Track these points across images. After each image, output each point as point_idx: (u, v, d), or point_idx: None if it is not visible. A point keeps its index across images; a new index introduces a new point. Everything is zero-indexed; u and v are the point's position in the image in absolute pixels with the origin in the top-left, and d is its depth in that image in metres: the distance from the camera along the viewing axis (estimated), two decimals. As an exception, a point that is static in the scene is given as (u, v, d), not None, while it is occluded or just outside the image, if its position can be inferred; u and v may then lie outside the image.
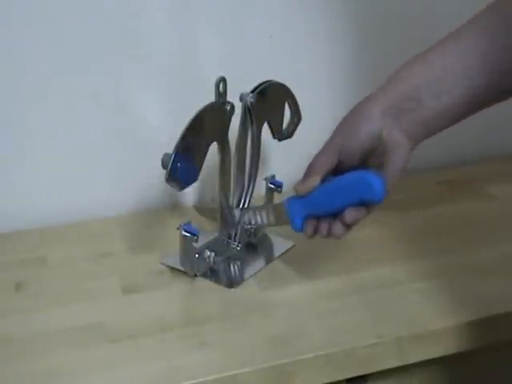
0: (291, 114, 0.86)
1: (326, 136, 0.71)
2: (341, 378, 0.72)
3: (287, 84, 0.84)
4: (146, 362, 0.68)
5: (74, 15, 0.88)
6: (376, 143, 0.68)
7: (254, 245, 0.89)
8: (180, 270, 0.81)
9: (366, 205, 0.69)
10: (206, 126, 0.76)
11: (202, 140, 0.76)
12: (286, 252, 0.87)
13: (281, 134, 0.85)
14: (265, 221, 0.79)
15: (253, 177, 0.86)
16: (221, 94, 0.77)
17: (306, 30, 1.00)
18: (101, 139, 0.95)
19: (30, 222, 0.92)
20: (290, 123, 0.86)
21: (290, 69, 0.99)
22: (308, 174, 0.70)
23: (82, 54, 0.90)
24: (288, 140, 0.87)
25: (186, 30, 0.94)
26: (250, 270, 0.83)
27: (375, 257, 0.86)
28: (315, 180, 0.69)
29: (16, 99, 0.89)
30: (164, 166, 0.73)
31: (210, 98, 0.77)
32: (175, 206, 1.00)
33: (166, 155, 0.73)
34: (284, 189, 0.88)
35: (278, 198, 0.89)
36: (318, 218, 0.71)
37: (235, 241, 0.85)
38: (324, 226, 0.71)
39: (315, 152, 0.72)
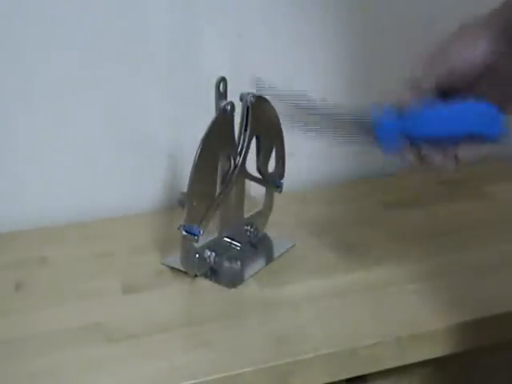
0: (276, 159, 0.85)
1: None
2: (341, 378, 0.72)
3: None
4: (146, 361, 0.68)
5: (73, 15, 0.88)
6: (488, 68, 0.61)
7: (254, 245, 0.89)
8: (180, 270, 0.81)
9: (477, 140, 0.60)
10: (214, 154, 0.77)
11: (214, 164, 0.77)
12: (285, 252, 0.87)
13: (262, 169, 0.84)
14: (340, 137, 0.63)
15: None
16: (221, 94, 0.77)
17: (308, 29, 1.00)
18: (101, 139, 0.95)
19: (30, 222, 0.92)
20: (275, 169, 0.86)
21: (291, 69, 0.99)
22: (417, 83, 0.61)
23: (81, 54, 0.90)
24: (288, 140, 0.87)
25: (185, 30, 0.94)
26: (250, 270, 0.83)
27: (375, 257, 0.86)
28: (426, 93, 0.60)
29: (16, 99, 0.89)
30: (181, 205, 0.74)
31: (210, 97, 0.77)
32: (175, 206, 1.00)
33: (183, 194, 0.74)
34: (284, 189, 0.88)
35: (277, 198, 0.89)
36: (415, 141, 0.60)
37: (235, 241, 0.85)
38: (434, 154, 0.60)
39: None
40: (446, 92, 0.62)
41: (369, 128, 0.60)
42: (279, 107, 0.67)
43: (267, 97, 0.69)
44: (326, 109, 0.64)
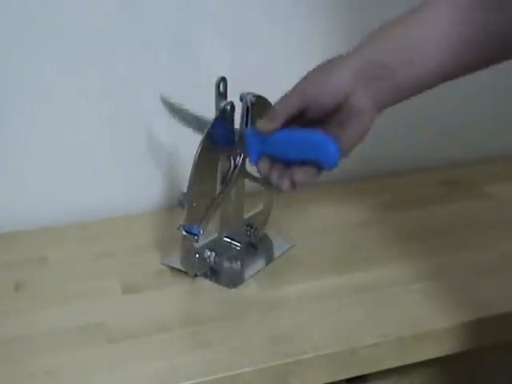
0: None
1: None
2: (341, 378, 0.72)
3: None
4: (146, 362, 0.68)
5: (73, 15, 0.88)
6: (342, 101, 0.67)
7: (254, 245, 0.89)
8: (180, 270, 0.81)
9: (317, 166, 0.68)
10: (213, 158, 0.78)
11: (214, 164, 0.78)
12: (285, 252, 0.87)
13: None
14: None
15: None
16: (221, 94, 0.77)
17: (306, 29, 1.00)
18: (101, 139, 0.95)
19: (30, 222, 0.92)
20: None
21: (291, 69, 0.99)
22: (272, 115, 0.69)
23: (81, 54, 0.90)
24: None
25: (186, 30, 0.94)
26: (250, 270, 0.83)
27: (375, 257, 0.86)
28: (276, 125, 0.69)
29: (17, 99, 0.89)
30: (181, 205, 0.75)
31: (210, 97, 0.77)
32: (175, 206, 1.00)
33: (184, 195, 0.75)
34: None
35: (277, 198, 0.89)
36: (272, 158, 0.71)
37: (235, 241, 0.85)
38: (276, 172, 0.70)
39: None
40: (305, 121, 0.69)
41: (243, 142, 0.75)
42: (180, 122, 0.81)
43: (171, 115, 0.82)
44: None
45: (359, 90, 0.66)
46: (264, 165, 0.71)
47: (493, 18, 0.64)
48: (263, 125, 0.70)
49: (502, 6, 0.63)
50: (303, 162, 0.68)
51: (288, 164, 0.69)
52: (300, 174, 0.68)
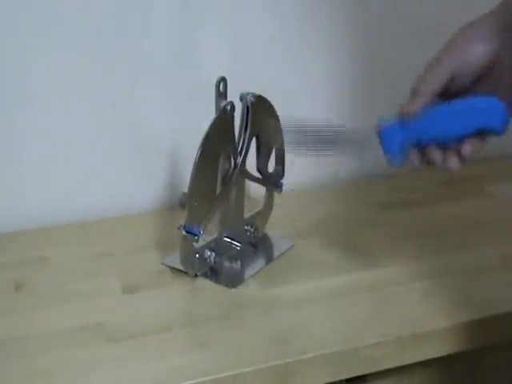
0: (276, 159, 0.86)
1: None
2: (341, 378, 0.72)
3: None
4: (146, 361, 0.68)
5: (74, 14, 0.88)
6: (492, 64, 0.62)
7: (254, 245, 0.89)
8: (180, 270, 0.81)
9: (483, 135, 0.62)
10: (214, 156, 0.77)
11: (214, 164, 0.78)
12: (285, 252, 0.87)
13: (262, 169, 0.85)
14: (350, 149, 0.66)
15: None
16: (221, 94, 0.77)
17: (306, 29, 1.00)
18: (101, 139, 0.95)
19: (30, 222, 0.92)
20: (275, 169, 0.86)
21: (290, 69, 0.99)
22: (416, 94, 0.63)
23: (81, 54, 0.90)
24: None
25: (186, 30, 0.94)
26: (250, 270, 0.83)
27: (375, 257, 0.86)
28: (424, 102, 0.62)
29: (16, 99, 0.89)
30: (182, 205, 0.75)
31: (210, 98, 0.77)
32: (175, 206, 1.00)
33: (185, 195, 0.75)
34: (284, 189, 0.88)
35: (277, 198, 0.89)
36: (420, 146, 0.63)
37: (235, 241, 0.85)
38: (436, 156, 0.63)
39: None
40: (449, 96, 0.63)
41: (373, 143, 0.64)
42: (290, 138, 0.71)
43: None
44: (332, 132, 0.67)
45: (506, 48, 0.62)
46: (416, 156, 0.64)
47: None
48: (410, 105, 0.63)
49: None
50: (464, 137, 0.61)
51: (442, 145, 0.62)
52: (470, 148, 0.62)
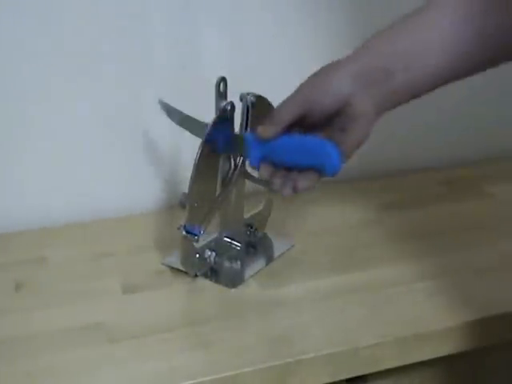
0: None
1: None
2: (341, 378, 0.72)
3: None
4: (146, 361, 0.68)
5: (73, 15, 0.88)
6: (342, 106, 0.67)
7: (254, 245, 0.89)
8: (180, 270, 0.81)
9: (319, 172, 0.68)
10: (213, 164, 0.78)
11: (215, 164, 0.78)
12: (285, 252, 0.87)
13: None
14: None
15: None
16: (221, 94, 0.77)
17: (307, 29, 1.00)
18: (101, 140, 0.95)
19: (30, 222, 0.92)
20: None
21: (290, 69, 0.99)
22: (272, 120, 0.69)
23: (81, 54, 0.90)
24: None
25: (186, 30, 0.94)
26: (250, 270, 0.83)
27: (375, 257, 0.86)
28: (277, 130, 0.68)
29: (16, 99, 0.89)
30: (182, 205, 0.75)
31: (211, 98, 0.77)
32: (175, 206, 1.00)
33: (185, 195, 0.75)
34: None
35: (277, 198, 0.89)
36: (274, 163, 0.70)
37: (235, 241, 0.85)
38: (278, 179, 0.70)
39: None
40: (308, 123, 0.69)
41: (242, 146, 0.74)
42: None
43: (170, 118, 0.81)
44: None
45: (359, 94, 0.66)
46: (265, 170, 0.70)
47: (492, 20, 0.64)
48: (264, 130, 0.70)
49: (502, 9, 0.64)
50: (304, 168, 0.68)
51: (289, 168, 0.69)
52: (302, 181, 0.68)
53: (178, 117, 0.81)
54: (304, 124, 0.69)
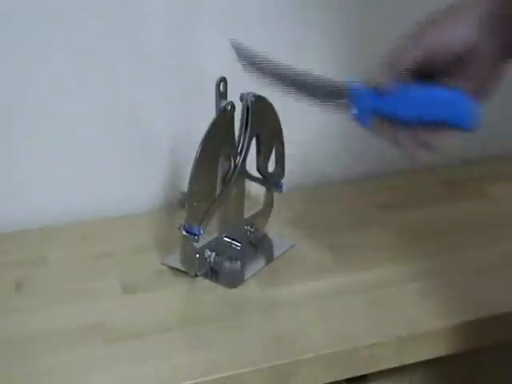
0: (276, 159, 0.86)
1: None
2: (341, 378, 0.72)
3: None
4: (146, 361, 0.68)
5: (73, 15, 0.88)
6: (468, 52, 0.61)
7: (254, 245, 0.89)
8: (180, 270, 0.81)
9: (451, 128, 0.61)
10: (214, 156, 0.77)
11: (214, 164, 0.78)
12: (285, 252, 0.87)
13: (262, 169, 0.85)
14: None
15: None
16: (221, 94, 0.77)
17: (307, 29, 1.00)
18: (101, 139, 0.95)
19: (30, 222, 0.92)
20: (275, 169, 0.86)
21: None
22: (389, 69, 0.62)
23: (81, 54, 0.90)
24: (287, 140, 0.87)
25: (186, 30, 0.94)
26: (250, 270, 0.83)
27: (375, 257, 0.86)
28: (400, 79, 0.60)
29: (16, 99, 0.89)
30: (182, 205, 0.76)
31: (211, 98, 0.77)
32: (175, 206, 1.00)
33: (184, 195, 0.75)
34: (284, 189, 0.88)
35: (277, 198, 0.89)
36: (388, 120, 0.62)
37: (235, 241, 0.85)
38: (406, 139, 0.61)
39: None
40: (426, 74, 0.62)
41: (345, 101, 0.63)
42: (259, 77, 0.69)
43: (247, 66, 0.70)
44: (304, 78, 0.66)
45: (486, 39, 0.61)
46: (384, 128, 0.62)
47: None
48: (387, 81, 0.61)
49: None
50: (431, 124, 0.60)
51: (408, 126, 0.61)
52: (436, 138, 0.61)
53: (256, 65, 0.70)
54: (423, 73, 0.62)
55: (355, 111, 0.62)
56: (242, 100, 0.79)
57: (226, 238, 0.85)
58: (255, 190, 0.88)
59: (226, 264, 0.84)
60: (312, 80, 0.67)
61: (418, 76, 0.62)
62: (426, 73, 0.62)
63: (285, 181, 0.88)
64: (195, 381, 0.66)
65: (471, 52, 0.61)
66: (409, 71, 0.61)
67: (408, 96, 0.61)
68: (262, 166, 0.84)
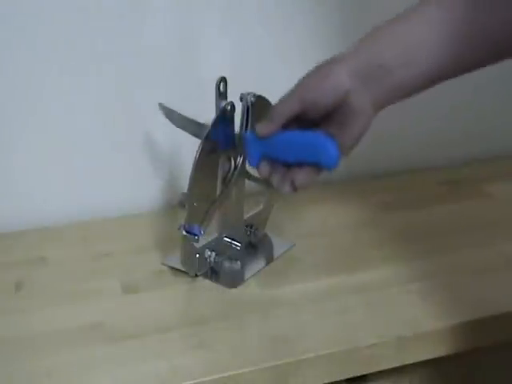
0: None
1: None
2: (341, 378, 0.72)
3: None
4: (146, 361, 0.68)
5: (73, 15, 0.88)
6: (341, 102, 0.66)
7: (254, 245, 0.89)
8: (180, 270, 0.81)
9: (318, 167, 0.68)
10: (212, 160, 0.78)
11: (214, 164, 0.78)
12: (285, 252, 0.87)
13: None
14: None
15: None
16: (221, 94, 0.77)
17: (307, 29, 1.00)
18: (101, 140, 0.95)
19: (30, 221, 0.92)
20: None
21: (291, 69, 0.99)
22: (271, 117, 0.69)
23: (81, 54, 0.90)
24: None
25: (186, 30, 0.94)
26: (250, 270, 0.83)
27: (375, 257, 0.86)
28: (275, 127, 0.68)
29: (16, 99, 0.89)
30: (182, 205, 0.75)
31: (211, 98, 0.77)
32: (175, 206, 1.00)
33: (185, 195, 0.75)
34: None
35: (277, 198, 0.89)
36: (273, 160, 0.70)
37: (235, 241, 0.85)
38: (277, 175, 0.70)
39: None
40: (305, 121, 0.69)
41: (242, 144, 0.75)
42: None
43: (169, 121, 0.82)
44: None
45: (357, 89, 0.66)
46: (264, 168, 0.70)
47: (485, 19, 0.64)
48: (262, 127, 0.70)
49: (494, 8, 0.64)
50: (303, 164, 0.68)
51: (289, 166, 0.69)
52: (300, 177, 0.68)
53: (178, 119, 0.81)
54: (302, 120, 0.69)
55: (249, 156, 0.72)
56: (241, 100, 0.79)
57: (226, 238, 0.85)
58: (255, 190, 0.88)
59: (226, 264, 0.84)
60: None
61: (300, 121, 0.69)
62: (306, 118, 0.68)
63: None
64: (195, 381, 0.66)
65: (342, 102, 0.66)
66: (287, 120, 0.68)
67: (279, 140, 0.69)
68: None
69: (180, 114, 0.81)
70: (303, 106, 0.67)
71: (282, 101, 0.69)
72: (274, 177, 0.70)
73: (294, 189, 0.69)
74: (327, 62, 0.68)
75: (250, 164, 0.73)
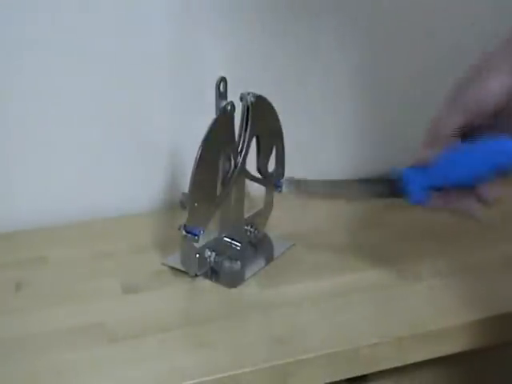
0: (276, 159, 0.86)
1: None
2: (341, 378, 0.72)
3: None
4: (147, 362, 0.68)
5: (73, 17, 0.88)
6: (506, 103, 0.61)
7: (254, 245, 0.89)
8: (180, 270, 0.81)
9: (503, 175, 0.62)
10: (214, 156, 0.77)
11: (215, 164, 0.78)
12: (285, 252, 0.87)
13: (262, 169, 0.85)
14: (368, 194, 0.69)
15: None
16: (221, 94, 0.77)
17: (307, 29, 1.00)
18: (101, 139, 0.95)
19: (30, 222, 0.92)
20: (275, 169, 0.86)
21: (291, 69, 0.99)
22: (432, 139, 0.63)
23: (81, 54, 0.90)
24: (287, 139, 0.87)
25: (186, 30, 0.94)
26: (250, 270, 0.83)
27: (376, 257, 0.86)
28: (441, 148, 0.62)
29: (15, 99, 0.89)
30: (182, 205, 0.75)
31: (211, 97, 0.77)
32: (175, 206, 1.00)
33: (185, 195, 0.75)
34: (284, 189, 0.88)
35: (277, 198, 0.89)
36: (440, 190, 0.64)
37: (235, 240, 0.85)
38: (463, 200, 0.63)
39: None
40: (467, 133, 0.63)
41: (394, 188, 0.66)
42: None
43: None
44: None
45: None
46: (438, 200, 0.65)
47: None
48: (425, 153, 0.63)
49: None
50: (482, 180, 0.62)
51: (460, 187, 0.63)
52: (491, 189, 0.63)
53: (310, 185, 0.77)
54: (467, 132, 0.63)
55: (412, 196, 0.65)
56: (241, 100, 0.79)
57: (226, 238, 0.85)
58: (255, 190, 0.88)
59: (226, 264, 0.84)
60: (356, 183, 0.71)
61: (463, 136, 0.63)
62: (468, 131, 0.63)
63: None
64: (195, 381, 0.66)
65: (508, 103, 0.61)
66: (451, 136, 0.62)
67: (457, 159, 0.62)
68: (262, 166, 0.84)
69: (308, 181, 0.78)
70: (468, 117, 0.62)
71: (442, 117, 0.63)
72: (459, 204, 0.64)
73: (489, 204, 0.64)
74: (483, 65, 0.63)
75: (418, 203, 0.66)
